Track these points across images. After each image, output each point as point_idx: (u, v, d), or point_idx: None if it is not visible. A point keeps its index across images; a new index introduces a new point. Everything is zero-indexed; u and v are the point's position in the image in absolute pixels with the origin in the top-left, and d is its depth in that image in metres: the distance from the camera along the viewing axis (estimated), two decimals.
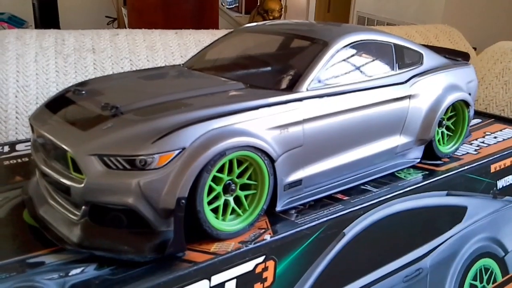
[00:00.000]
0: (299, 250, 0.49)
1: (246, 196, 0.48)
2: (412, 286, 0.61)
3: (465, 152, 0.70)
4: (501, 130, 0.80)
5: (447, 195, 0.62)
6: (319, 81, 0.53)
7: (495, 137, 0.76)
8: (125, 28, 3.04)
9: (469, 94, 0.70)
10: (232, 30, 0.69)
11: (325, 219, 0.51)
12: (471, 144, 0.74)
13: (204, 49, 0.67)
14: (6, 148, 0.67)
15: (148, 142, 0.42)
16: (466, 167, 0.65)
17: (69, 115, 0.48)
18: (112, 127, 0.44)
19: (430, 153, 0.66)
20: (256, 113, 0.47)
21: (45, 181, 0.49)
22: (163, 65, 1.19)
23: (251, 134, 0.46)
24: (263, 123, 0.47)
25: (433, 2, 2.08)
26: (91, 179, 0.42)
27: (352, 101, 0.55)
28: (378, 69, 0.60)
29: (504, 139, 0.76)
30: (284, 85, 0.52)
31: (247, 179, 0.48)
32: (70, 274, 0.40)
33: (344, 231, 0.52)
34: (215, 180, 0.45)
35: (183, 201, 0.42)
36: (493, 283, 0.74)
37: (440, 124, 0.67)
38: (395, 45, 0.63)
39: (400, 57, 0.63)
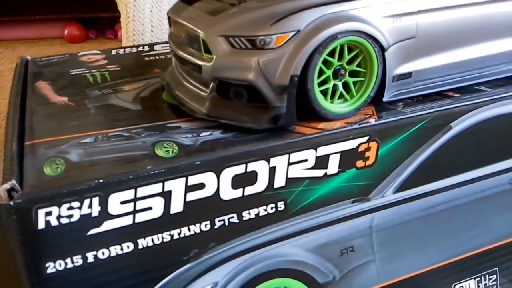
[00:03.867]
0: (403, 136, 0.51)
1: (354, 83, 0.52)
2: None
3: None
4: None
5: None
6: None
7: None
8: None
9: None
10: None
11: (432, 110, 0.53)
12: None
13: None
14: (146, 48, 0.78)
15: (267, 24, 0.47)
16: None
17: (201, 5, 0.55)
18: (237, 12, 0.49)
19: None
20: (370, 1, 0.49)
21: (180, 66, 0.57)
22: None
23: (363, 21, 0.49)
24: (376, 11, 0.49)
25: None
26: (219, 57, 0.49)
27: None
28: None
29: None
30: None
31: (357, 66, 0.51)
32: (201, 135, 0.49)
33: (451, 124, 0.54)
34: (326, 64, 0.49)
35: (296, 78, 0.47)
36: None
37: None
38: None
39: None
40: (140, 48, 0.78)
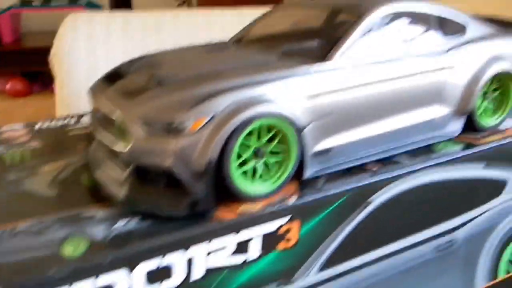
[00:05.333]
0: (324, 214, 0.52)
1: (274, 162, 0.52)
2: (444, 257, 0.62)
3: (510, 125, 0.68)
4: None
5: (485, 168, 0.62)
6: (352, 52, 0.55)
7: None
8: (195, 6, 3.13)
9: None
10: (278, 5, 0.72)
11: (351, 186, 0.53)
12: None
13: (250, 23, 0.70)
14: (73, 120, 0.76)
15: (183, 109, 0.47)
16: (507, 140, 0.64)
17: (120, 87, 0.54)
18: (154, 96, 0.49)
19: (472, 125, 0.65)
20: (285, 82, 0.50)
21: (100, 146, 0.56)
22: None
23: (279, 103, 0.49)
24: (292, 93, 0.50)
25: None
26: (136, 143, 0.48)
27: (385, 72, 0.56)
28: (415, 40, 0.60)
29: None
30: (316, 55, 0.54)
31: (276, 145, 0.51)
32: (116, 225, 0.47)
33: (371, 198, 0.54)
34: (244, 145, 0.49)
35: (213, 163, 0.47)
36: None
37: (483, 96, 0.66)
38: (435, 15, 0.62)
39: (441, 28, 0.62)
40: (67, 121, 0.76)
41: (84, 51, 1.14)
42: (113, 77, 0.57)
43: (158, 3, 3.12)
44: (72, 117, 0.78)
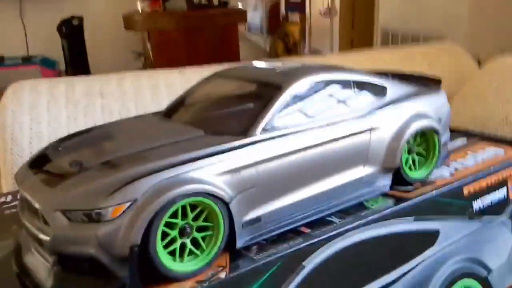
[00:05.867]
0: (258, 284, 0.52)
1: (203, 237, 0.52)
2: None
3: (440, 176, 0.71)
4: (483, 149, 0.80)
5: (415, 220, 0.64)
6: (274, 124, 0.56)
7: (475, 158, 0.77)
8: (151, 60, 3.17)
9: (440, 119, 0.71)
10: (207, 76, 0.74)
11: (282, 253, 0.54)
12: (449, 166, 0.75)
13: (183, 93, 0.71)
14: (9, 197, 0.74)
15: (103, 196, 0.47)
16: (435, 191, 0.66)
17: (43, 173, 0.54)
18: (74, 184, 0.49)
19: (401, 179, 0.68)
20: (208, 160, 0.51)
21: (28, 232, 0.55)
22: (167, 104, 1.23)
23: (202, 181, 0.50)
24: (215, 169, 0.51)
25: (455, 14, 2.02)
26: (57, 232, 0.48)
27: (307, 140, 0.58)
28: (336, 106, 0.63)
29: (483, 159, 0.76)
30: (238, 130, 0.56)
31: (203, 221, 0.52)
32: None
33: (303, 263, 0.55)
34: (171, 225, 0.50)
35: (136, 248, 0.47)
36: None
37: (410, 151, 0.69)
38: (354, 81, 0.65)
39: (360, 92, 0.66)
40: (3, 199, 0.74)
41: (28, 121, 1.13)
42: (38, 161, 0.57)
43: (114, 58, 3.16)
44: (9, 194, 0.76)
